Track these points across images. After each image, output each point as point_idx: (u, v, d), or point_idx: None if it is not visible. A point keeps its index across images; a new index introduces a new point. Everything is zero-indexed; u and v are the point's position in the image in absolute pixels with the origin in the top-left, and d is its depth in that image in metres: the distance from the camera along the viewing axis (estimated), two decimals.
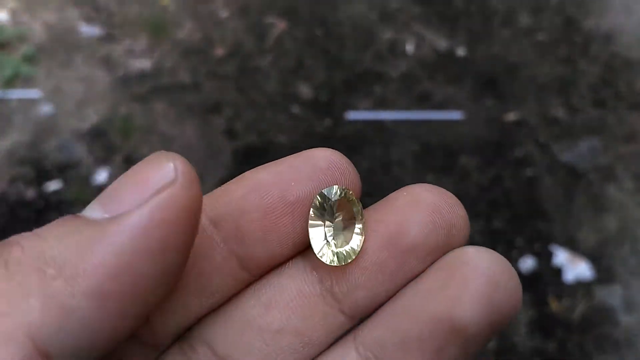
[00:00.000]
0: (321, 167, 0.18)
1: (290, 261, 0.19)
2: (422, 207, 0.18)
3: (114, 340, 0.15)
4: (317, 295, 0.18)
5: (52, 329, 0.13)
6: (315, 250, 0.18)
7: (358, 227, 0.18)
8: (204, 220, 0.18)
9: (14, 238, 0.14)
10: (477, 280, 0.16)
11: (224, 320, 0.19)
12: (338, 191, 0.18)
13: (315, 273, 0.18)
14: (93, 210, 0.15)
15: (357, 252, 0.18)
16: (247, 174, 0.18)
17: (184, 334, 0.19)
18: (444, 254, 0.17)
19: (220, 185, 0.19)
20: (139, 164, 0.15)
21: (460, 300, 0.16)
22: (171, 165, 0.15)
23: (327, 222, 0.18)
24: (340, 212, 0.18)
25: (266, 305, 0.18)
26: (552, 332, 0.99)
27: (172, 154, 0.15)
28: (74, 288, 0.14)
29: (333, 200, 0.18)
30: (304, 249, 0.19)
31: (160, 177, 0.15)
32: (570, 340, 0.98)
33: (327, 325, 0.18)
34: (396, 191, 0.19)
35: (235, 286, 0.19)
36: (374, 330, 0.18)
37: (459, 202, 0.18)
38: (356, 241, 0.18)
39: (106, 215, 0.15)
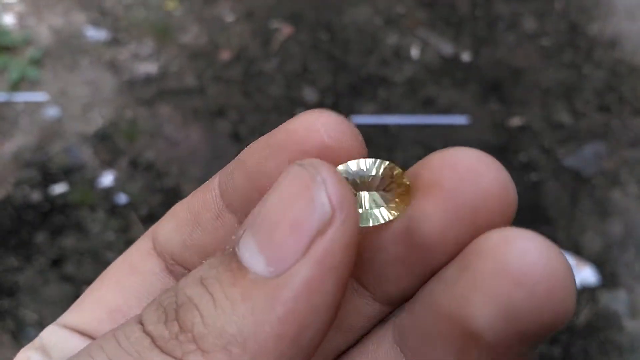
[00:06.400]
0: (303, 149, 0.16)
1: None
2: (435, 191, 0.15)
3: None
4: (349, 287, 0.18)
5: None
6: None
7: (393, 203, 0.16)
8: (219, 202, 0.19)
9: (191, 297, 0.14)
10: (490, 278, 0.14)
11: None
12: (374, 164, 0.17)
13: None
14: (255, 260, 0.14)
15: (379, 221, 0.16)
16: (241, 156, 0.18)
17: None
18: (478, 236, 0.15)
19: None
20: (287, 187, 0.14)
21: (469, 302, 0.14)
22: (324, 196, 0.14)
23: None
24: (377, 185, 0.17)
25: None
26: (556, 337, 0.99)
27: (318, 169, 0.14)
28: None
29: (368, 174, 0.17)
30: None
31: (316, 214, 0.14)
32: (574, 345, 0.98)
33: (363, 314, 0.18)
34: (434, 156, 0.16)
35: None
36: (404, 321, 0.17)
37: (496, 168, 0.15)
38: (384, 213, 0.16)
39: (271, 269, 0.14)
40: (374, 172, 0.17)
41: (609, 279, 1.03)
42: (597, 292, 1.02)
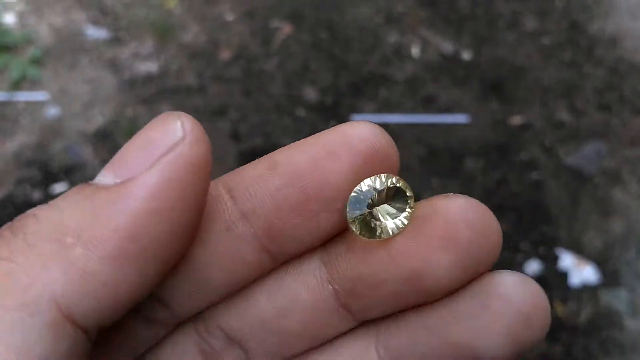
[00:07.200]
0: (360, 150, 0.17)
1: (307, 256, 0.18)
2: (452, 246, 0.16)
3: (134, 301, 0.15)
4: (328, 298, 0.18)
5: (75, 295, 0.14)
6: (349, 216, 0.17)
7: (404, 213, 0.17)
8: (232, 209, 0.17)
9: (30, 211, 0.15)
10: (509, 316, 0.16)
11: (240, 312, 0.18)
12: (383, 180, 0.17)
13: (326, 271, 0.18)
14: (104, 177, 0.15)
15: (394, 232, 0.17)
16: (280, 157, 0.18)
17: (200, 316, 0.19)
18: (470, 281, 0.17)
19: None
20: (147, 126, 0.15)
21: (489, 335, 0.16)
22: (178, 124, 0.15)
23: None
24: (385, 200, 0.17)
25: (280, 313, 0.18)
26: (557, 336, 0.99)
27: (180, 113, 0.15)
28: (93, 253, 0.14)
29: (378, 190, 0.17)
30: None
31: (168, 137, 0.15)
32: (575, 344, 0.98)
33: (340, 327, 0.18)
34: (432, 202, 0.17)
35: (255, 272, 0.18)
36: (397, 338, 0.18)
37: (494, 219, 0.17)
38: (397, 223, 0.17)
39: (117, 180, 0.15)
40: (382, 187, 0.17)
41: (610, 277, 1.03)
42: (598, 291, 1.02)
